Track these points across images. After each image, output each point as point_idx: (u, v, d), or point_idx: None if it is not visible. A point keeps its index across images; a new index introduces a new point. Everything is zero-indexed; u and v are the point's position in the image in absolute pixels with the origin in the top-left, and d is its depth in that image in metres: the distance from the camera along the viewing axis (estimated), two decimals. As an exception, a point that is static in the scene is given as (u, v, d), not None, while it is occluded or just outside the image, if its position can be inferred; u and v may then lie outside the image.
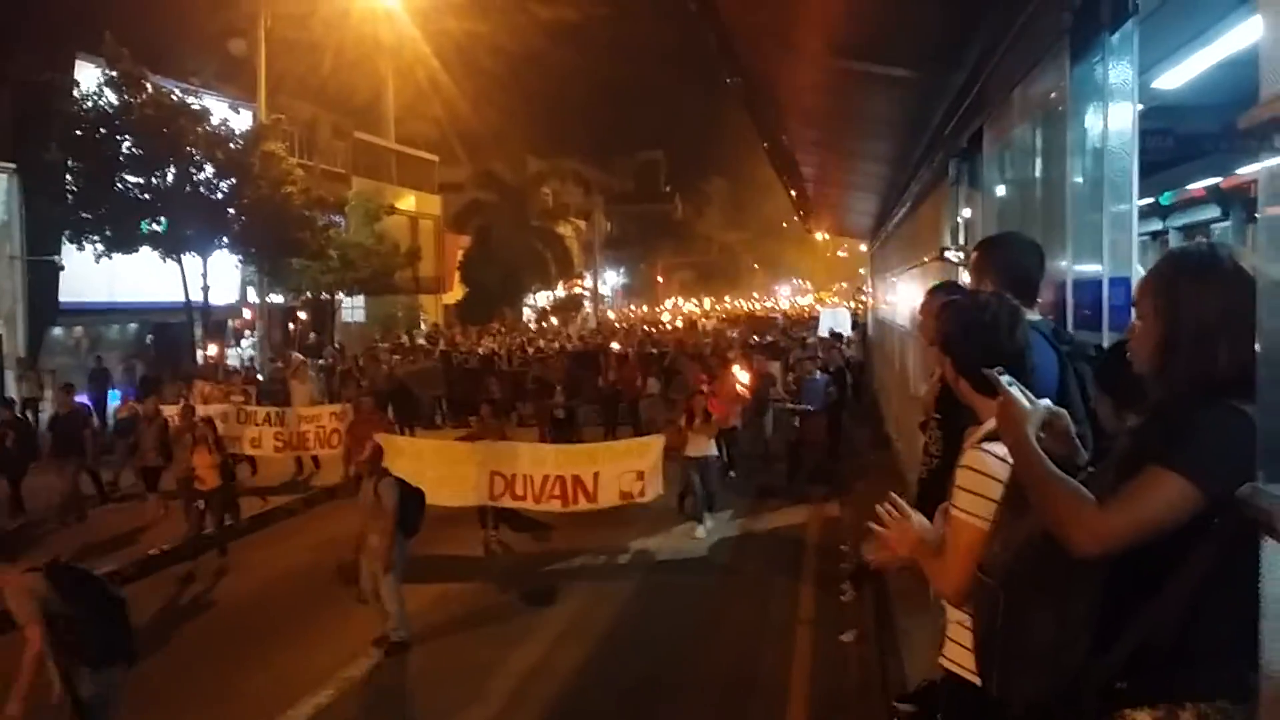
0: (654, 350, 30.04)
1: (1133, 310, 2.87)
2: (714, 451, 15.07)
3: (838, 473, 17.86)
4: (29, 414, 21.34)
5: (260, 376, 24.47)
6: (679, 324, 50.45)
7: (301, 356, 27.15)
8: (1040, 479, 2.64)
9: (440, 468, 13.49)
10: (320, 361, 28.56)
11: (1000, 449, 3.01)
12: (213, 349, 27.22)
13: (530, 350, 32.30)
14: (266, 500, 16.85)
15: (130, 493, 16.92)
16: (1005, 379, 2.87)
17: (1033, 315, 3.98)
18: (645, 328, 47.56)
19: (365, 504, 10.79)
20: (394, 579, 10.41)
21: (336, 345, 34.57)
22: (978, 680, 3.04)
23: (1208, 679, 2.45)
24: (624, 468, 13.48)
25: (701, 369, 20.18)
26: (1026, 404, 2.80)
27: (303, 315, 36.15)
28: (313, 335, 37.02)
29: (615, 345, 31.20)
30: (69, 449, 16.10)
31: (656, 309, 78.19)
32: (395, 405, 23.97)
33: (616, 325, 51.99)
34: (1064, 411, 2.90)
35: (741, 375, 18.53)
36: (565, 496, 13.44)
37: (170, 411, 16.41)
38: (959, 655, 3.37)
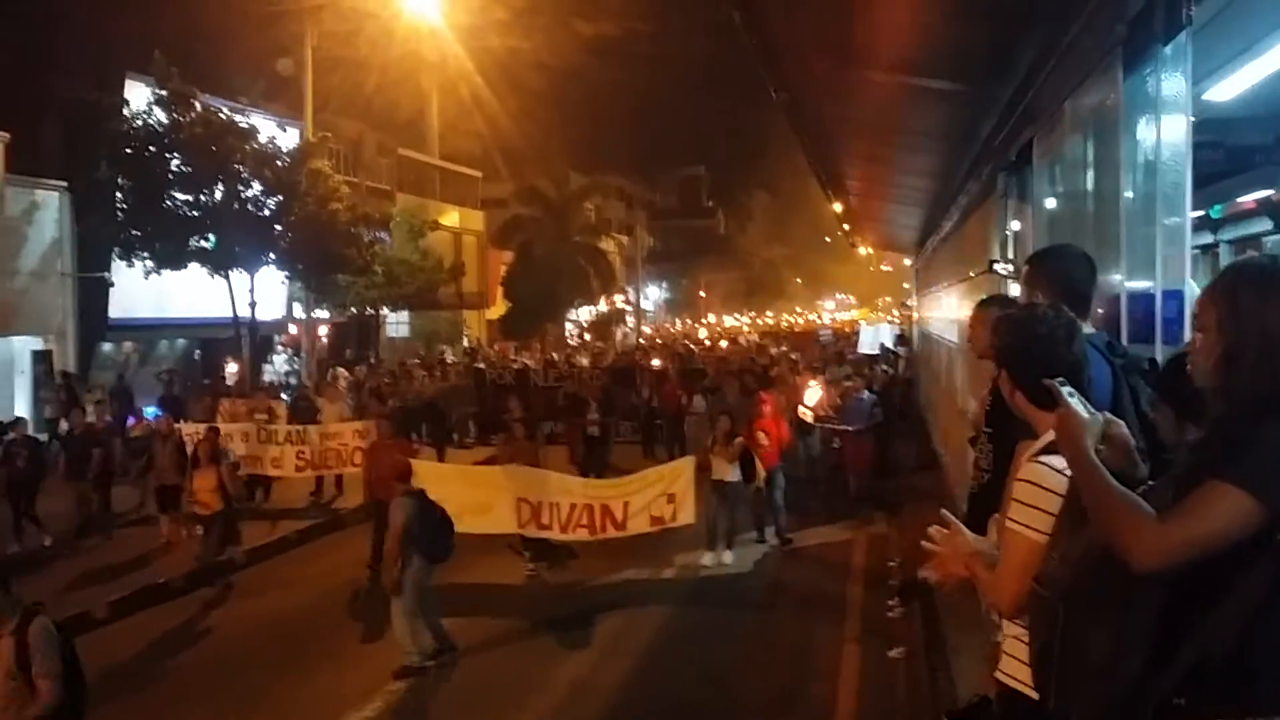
0: (699, 366, 29.36)
1: (1189, 324, 2.84)
2: (737, 476, 14.31)
3: (884, 493, 17.39)
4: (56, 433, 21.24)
5: (284, 395, 23.93)
6: (723, 342, 49.58)
7: (345, 372, 27.29)
8: (1100, 492, 2.61)
9: (466, 494, 13.03)
10: (349, 377, 28.26)
11: (1058, 461, 2.99)
12: (233, 367, 26.68)
13: (566, 366, 31.88)
14: (275, 525, 16.62)
15: (149, 514, 16.49)
16: (1065, 390, 2.85)
17: (1086, 328, 3.95)
18: (686, 343, 47.24)
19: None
20: (405, 603, 10.18)
21: (371, 360, 34.62)
22: (1034, 695, 3.01)
23: (1267, 694, 2.42)
24: (655, 493, 13.01)
25: (743, 388, 18.89)
26: (1086, 416, 2.78)
27: (323, 331, 35.56)
28: (348, 351, 37.12)
29: (656, 362, 30.72)
30: (82, 470, 15.88)
31: (695, 324, 78.05)
32: (425, 423, 23.83)
33: (658, 340, 51.67)
34: (1123, 423, 2.88)
35: (810, 395, 17.87)
36: (593, 525, 13.05)
37: (190, 430, 16.10)
38: (1016, 669, 3.35)
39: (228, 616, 12.59)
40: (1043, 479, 3.11)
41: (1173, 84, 4.69)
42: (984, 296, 6.61)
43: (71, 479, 15.99)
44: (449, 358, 35.63)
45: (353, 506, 17.35)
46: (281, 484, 18.88)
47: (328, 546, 16.14)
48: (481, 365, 31.93)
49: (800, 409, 17.46)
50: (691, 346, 43.23)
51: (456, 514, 11.54)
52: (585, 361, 34.70)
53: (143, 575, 13.82)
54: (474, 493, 13.27)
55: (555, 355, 38.48)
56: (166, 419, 16.77)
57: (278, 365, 34.14)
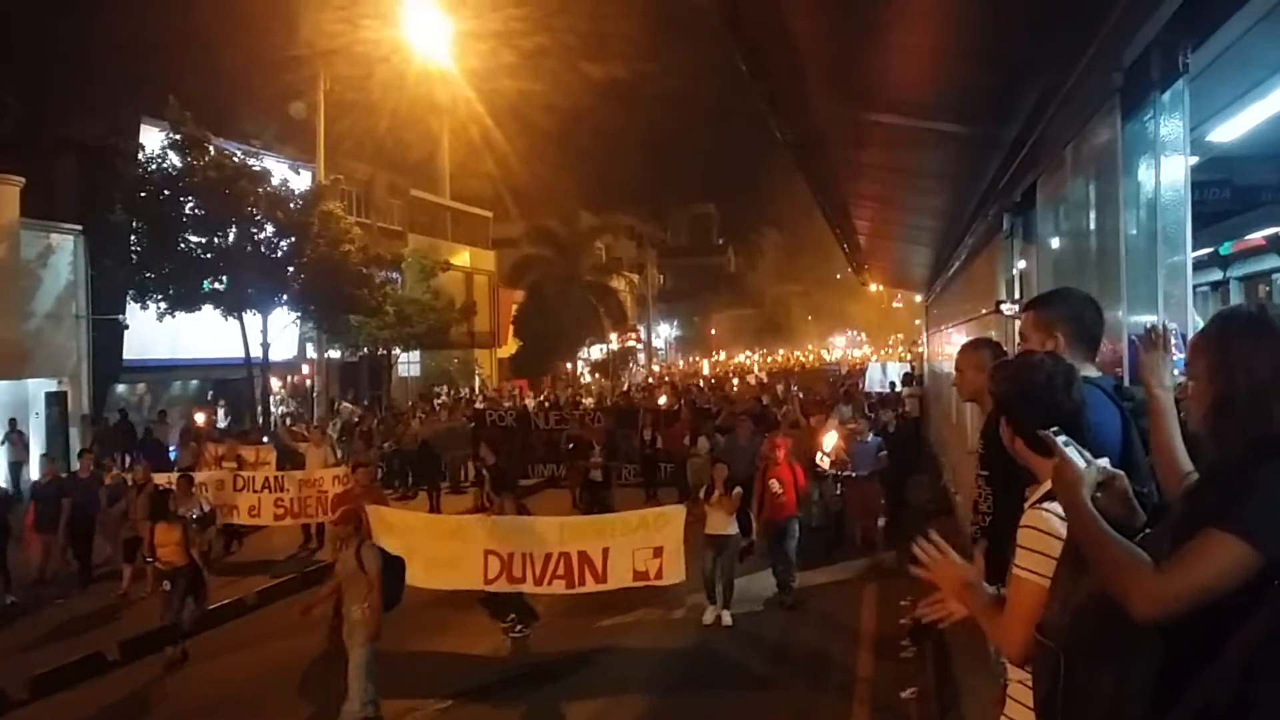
0: (708, 406, 28.01)
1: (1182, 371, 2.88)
2: (735, 530, 13.26)
3: (897, 534, 16.34)
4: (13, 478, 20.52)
5: (265, 439, 22.90)
6: (735, 380, 48.54)
7: (352, 406, 27.05)
8: (1096, 542, 2.63)
9: (431, 546, 12.09)
10: (336, 420, 27.87)
11: (1060, 507, 3.01)
12: (200, 416, 25.23)
13: (572, 407, 30.71)
14: (247, 579, 15.71)
15: (116, 568, 15.55)
16: (1061, 440, 2.87)
17: (1093, 372, 3.96)
18: (696, 381, 46.58)
19: (344, 574, 9.88)
20: (370, 654, 9.55)
21: (365, 401, 34.27)
22: (1038, 741, 3.02)
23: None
24: (639, 543, 11.73)
25: (757, 426, 17.90)
26: (1082, 465, 2.80)
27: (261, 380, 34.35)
28: (350, 391, 36.92)
29: (663, 400, 29.95)
30: (52, 521, 15.15)
31: (699, 361, 77.70)
32: (417, 467, 23.44)
33: (665, 379, 51.20)
34: (1121, 472, 2.90)
35: (828, 441, 16.51)
36: (570, 577, 11.73)
37: (164, 479, 15.37)
38: (1020, 714, 3.35)
39: (204, 672, 11.97)
40: (1046, 525, 3.11)
41: (1171, 128, 4.75)
42: (969, 339, 6.64)
43: (39, 531, 15.28)
44: (442, 398, 35.43)
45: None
46: (266, 532, 18.22)
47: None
48: (481, 405, 31.01)
49: (819, 456, 16.39)
50: (701, 385, 42.62)
51: (422, 567, 11.21)
52: (589, 402, 34.27)
53: (101, 635, 13.11)
54: (439, 545, 12.24)
55: (559, 396, 37.82)
56: (143, 466, 16.18)
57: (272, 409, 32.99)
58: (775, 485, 13.80)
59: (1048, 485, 3.13)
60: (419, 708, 10.21)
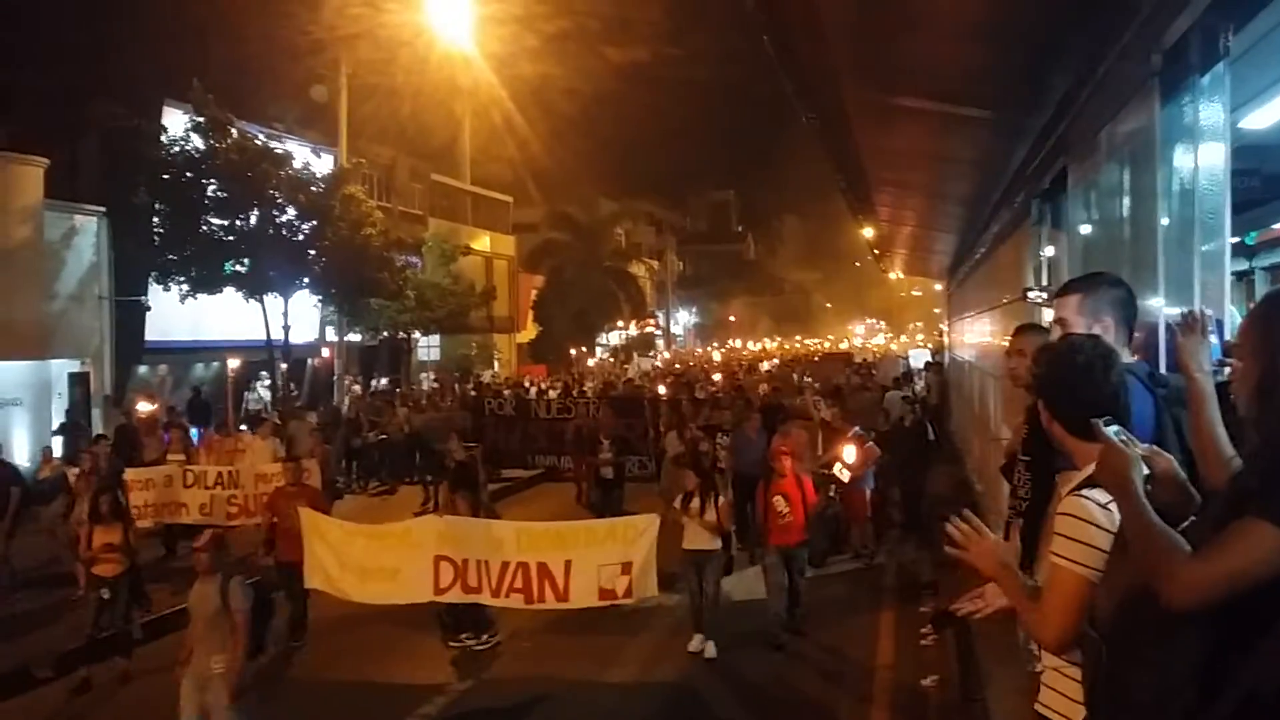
0: (702, 396, 25.64)
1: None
2: (718, 545, 11.73)
3: (915, 530, 16.16)
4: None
5: (244, 427, 21.46)
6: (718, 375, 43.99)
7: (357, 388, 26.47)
8: (1141, 530, 2.59)
9: (370, 554, 10.88)
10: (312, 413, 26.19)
11: (1100, 495, 2.97)
12: (144, 405, 22.54)
13: (578, 394, 28.59)
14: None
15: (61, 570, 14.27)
16: (1113, 429, 2.82)
17: (1128, 357, 3.92)
18: (704, 368, 45.45)
19: (202, 614, 8.22)
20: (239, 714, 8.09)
21: (356, 386, 33.38)
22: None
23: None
24: (605, 556, 10.31)
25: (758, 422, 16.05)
26: (1130, 453, 2.76)
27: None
28: (362, 378, 36.14)
29: (662, 390, 28.30)
30: None
31: (707, 350, 76.72)
32: (403, 459, 22.86)
33: (676, 366, 50.38)
34: (1169, 455, 2.86)
35: (848, 452, 13.91)
36: (529, 591, 10.29)
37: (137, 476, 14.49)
38: (1056, 702, 3.33)
39: (144, 690, 10.69)
40: (1085, 512, 3.08)
41: (1210, 113, 4.67)
42: (1020, 324, 6.57)
43: None
44: (425, 385, 35.00)
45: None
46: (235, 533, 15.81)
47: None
48: (477, 393, 29.05)
49: (837, 468, 14.19)
50: (707, 375, 39.24)
51: (357, 580, 10.51)
52: (589, 388, 33.18)
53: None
54: (381, 553, 10.92)
55: (567, 383, 35.84)
56: (91, 455, 14.65)
57: (261, 394, 31.82)
58: (781, 504, 11.89)
59: (1087, 471, 3.09)
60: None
